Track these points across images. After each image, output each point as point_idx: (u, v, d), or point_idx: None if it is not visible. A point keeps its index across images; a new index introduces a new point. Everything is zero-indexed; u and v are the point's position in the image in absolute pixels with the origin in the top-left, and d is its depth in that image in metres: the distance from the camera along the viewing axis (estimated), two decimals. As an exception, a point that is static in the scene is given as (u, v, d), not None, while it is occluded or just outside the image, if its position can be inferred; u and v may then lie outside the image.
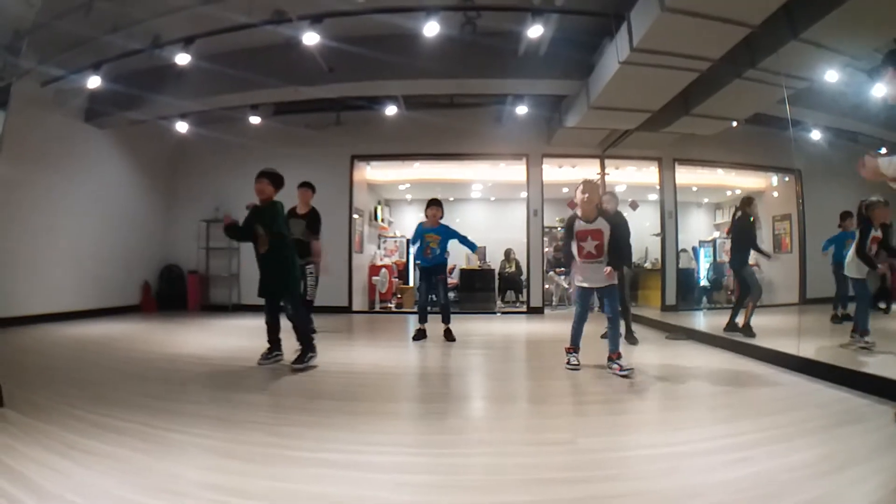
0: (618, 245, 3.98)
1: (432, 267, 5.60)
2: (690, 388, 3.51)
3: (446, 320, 5.65)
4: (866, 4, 4.14)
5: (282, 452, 2.22)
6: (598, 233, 3.90)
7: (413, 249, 6.21)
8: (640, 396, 3.31)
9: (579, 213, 4.01)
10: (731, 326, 5.46)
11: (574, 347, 4.10)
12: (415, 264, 10.91)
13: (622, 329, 4.71)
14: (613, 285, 3.97)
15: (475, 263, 10.74)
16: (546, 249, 10.25)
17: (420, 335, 5.54)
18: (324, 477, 1.98)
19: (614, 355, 3.88)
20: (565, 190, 11.50)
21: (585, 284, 4.01)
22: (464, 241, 5.70)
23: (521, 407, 3.18)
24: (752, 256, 5.56)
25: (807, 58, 4.95)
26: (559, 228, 12.25)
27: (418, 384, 3.87)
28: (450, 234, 5.63)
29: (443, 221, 5.72)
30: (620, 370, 3.74)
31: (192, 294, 9.30)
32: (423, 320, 5.63)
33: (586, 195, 3.91)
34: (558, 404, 3.16)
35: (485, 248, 11.55)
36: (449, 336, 5.56)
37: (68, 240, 7.44)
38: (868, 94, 5.61)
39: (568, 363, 4.04)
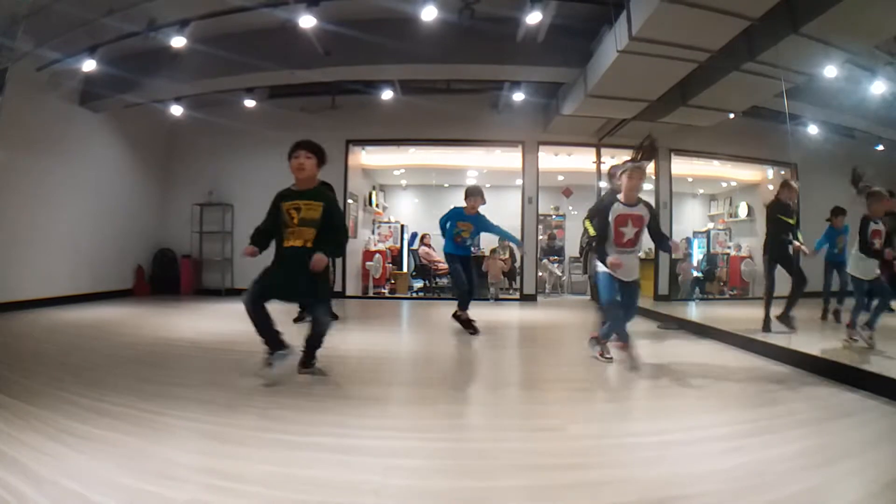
0: (659, 230, 3.76)
1: (461, 256, 5.37)
2: (681, 377, 3.53)
3: (466, 306, 5.36)
4: (867, 1, 4.13)
5: (275, 436, 2.23)
6: (639, 219, 3.62)
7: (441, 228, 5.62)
8: (631, 385, 3.34)
9: (621, 197, 3.65)
10: (785, 318, 5.07)
11: (606, 338, 3.84)
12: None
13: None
14: (637, 282, 3.79)
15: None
16: (540, 237, 10.27)
17: (472, 327, 5.20)
18: (316, 461, 2.00)
19: (600, 338, 3.88)
20: (560, 178, 11.51)
21: (620, 277, 3.65)
22: (505, 234, 5.49)
23: (512, 393, 3.21)
24: (746, 249, 5.44)
25: (806, 52, 4.94)
26: (554, 217, 12.29)
27: (410, 369, 3.89)
28: (484, 225, 5.34)
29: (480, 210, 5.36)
30: (601, 355, 3.81)
31: (185, 278, 9.29)
32: (466, 306, 5.30)
33: (634, 181, 3.59)
34: (549, 391, 3.19)
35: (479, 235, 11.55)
36: (470, 324, 5.28)
37: (62, 224, 7.38)
38: (866, 91, 5.62)
39: (602, 356, 3.82)
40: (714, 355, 4.36)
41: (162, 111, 8.43)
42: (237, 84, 7.68)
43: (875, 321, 4.31)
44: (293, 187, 3.32)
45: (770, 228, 5.14)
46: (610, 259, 3.54)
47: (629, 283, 3.72)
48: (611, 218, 3.61)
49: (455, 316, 5.33)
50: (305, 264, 3.12)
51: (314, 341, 3.34)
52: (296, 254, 3.17)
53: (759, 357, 4.21)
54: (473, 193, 5.28)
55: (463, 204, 5.32)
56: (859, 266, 4.41)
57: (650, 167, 3.87)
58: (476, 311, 5.43)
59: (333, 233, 3.27)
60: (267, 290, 3.26)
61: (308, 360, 3.35)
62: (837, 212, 5.40)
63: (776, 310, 5.04)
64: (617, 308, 3.70)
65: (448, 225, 5.31)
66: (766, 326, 4.98)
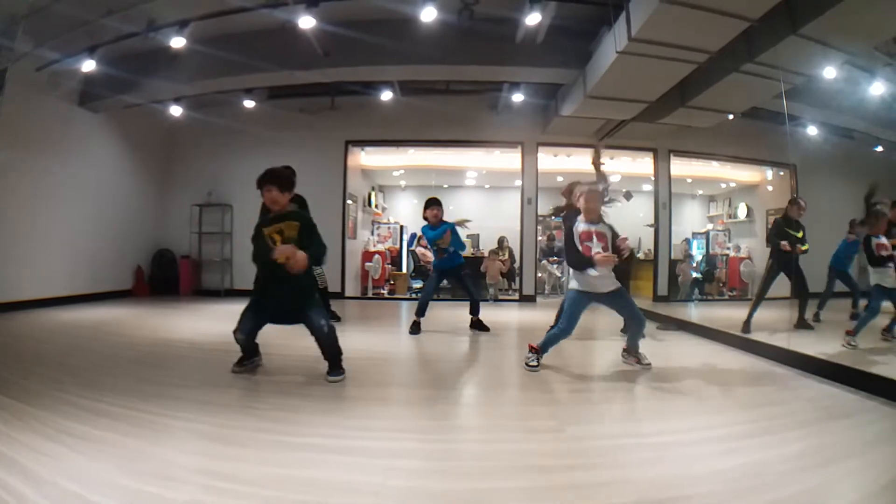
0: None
1: (451, 268, 5.36)
2: (680, 378, 3.54)
3: (477, 312, 5.54)
4: (866, 2, 4.14)
5: (274, 437, 2.24)
6: (602, 235, 3.60)
7: (414, 248, 5.79)
8: (629, 386, 3.34)
9: (582, 216, 3.67)
10: (802, 322, 5.29)
11: (541, 350, 3.78)
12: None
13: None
14: (620, 289, 3.64)
15: (468, 250, 10.73)
16: (539, 238, 10.27)
17: (417, 329, 5.30)
18: (315, 462, 2.00)
19: (632, 350, 3.84)
20: (560, 178, 11.48)
21: (588, 290, 3.62)
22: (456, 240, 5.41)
23: (510, 394, 3.21)
24: (745, 250, 5.54)
25: (805, 53, 4.94)
26: (552, 217, 12.28)
27: (409, 370, 3.89)
28: (451, 229, 5.34)
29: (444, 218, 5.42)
30: (638, 362, 3.77)
31: (184, 279, 9.28)
32: (421, 315, 5.35)
33: (591, 204, 3.63)
34: (547, 392, 3.18)
35: (478, 235, 11.57)
36: (482, 326, 5.51)
37: (62, 224, 7.38)
38: (865, 92, 5.63)
39: (527, 364, 3.71)
40: (713, 356, 4.37)
41: (161, 112, 8.43)
42: (236, 85, 7.67)
43: None
44: (269, 214, 3.35)
45: (775, 240, 5.29)
46: (597, 257, 3.46)
47: (610, 294, 3.63)
48: (576, 235, 3.62)
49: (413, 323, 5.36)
50: (292, 281, 3.16)
51: (328, 349, 3.33)
52: (283, 272, 3.16)
53: (757, 358, 4.21)
54: (433, 205, 5.34)
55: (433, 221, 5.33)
56: (881, 275, 4.48)
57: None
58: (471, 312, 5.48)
59: (313, 248, 3.26)
60: (261, 321, 3.34)
61: (333, 370, 3.31)
62: (855, 224, 5.53)
63: (773, 312, 5.09)
64: (566, 334, 3.69)
65: (417, 242, 5.28)
66: (746, 328, 5.10)
